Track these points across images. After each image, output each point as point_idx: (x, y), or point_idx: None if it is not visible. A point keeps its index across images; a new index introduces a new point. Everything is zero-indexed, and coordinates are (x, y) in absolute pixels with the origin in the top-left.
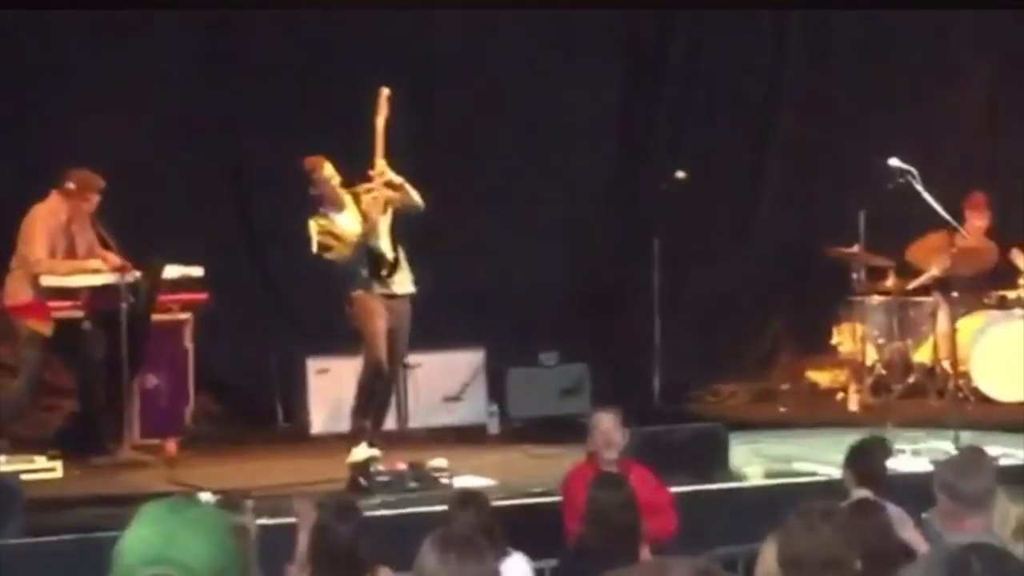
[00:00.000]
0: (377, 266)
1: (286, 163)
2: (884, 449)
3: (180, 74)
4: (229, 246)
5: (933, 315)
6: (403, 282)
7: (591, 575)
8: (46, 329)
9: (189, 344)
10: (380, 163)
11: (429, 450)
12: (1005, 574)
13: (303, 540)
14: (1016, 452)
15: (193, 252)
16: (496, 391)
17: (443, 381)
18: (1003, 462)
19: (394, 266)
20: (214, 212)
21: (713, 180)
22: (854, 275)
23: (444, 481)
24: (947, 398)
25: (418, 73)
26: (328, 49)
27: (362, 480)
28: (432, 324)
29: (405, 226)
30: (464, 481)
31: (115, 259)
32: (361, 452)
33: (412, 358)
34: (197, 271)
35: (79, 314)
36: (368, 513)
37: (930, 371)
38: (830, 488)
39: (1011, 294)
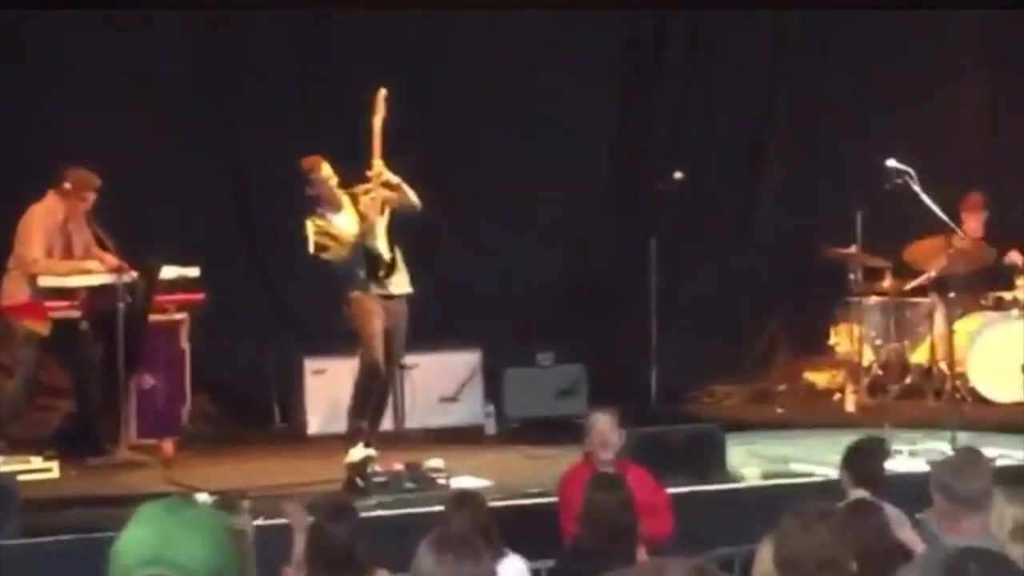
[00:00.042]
0: (374, 267)
1: (283, 163)
2: (882, 450)
3: (178, 73)
4: (226, 246)
5: (930, 316)
6: (400, 283)
7: None
8: (43, 329)
9: (186, 344)
10: (378, 163)
11: (426, 451)
12: None
13: (299, 542)
14: (1013, 453)
15: (190, 252)
16: (493, 392)
17: (440, 382)
18: (1000, 463)
19: (391, 266)
20: (211, 212)
21: (710, 181)
22: (851, 276)
23: (441, 482)
24: (944, 399)
25: (417, 73)
26: (327, 49)
27: (359, 481)
28: (429, 324)
29: (403, 226)
30: (461, 482)
31: (112, 259)
32: (358, 452)
33: (409, 358)
34: (194, 271)
35: (76, 314)
36: (365, 514)
37: (927, 372)
38: (827, 489)
39: (1008, 295)
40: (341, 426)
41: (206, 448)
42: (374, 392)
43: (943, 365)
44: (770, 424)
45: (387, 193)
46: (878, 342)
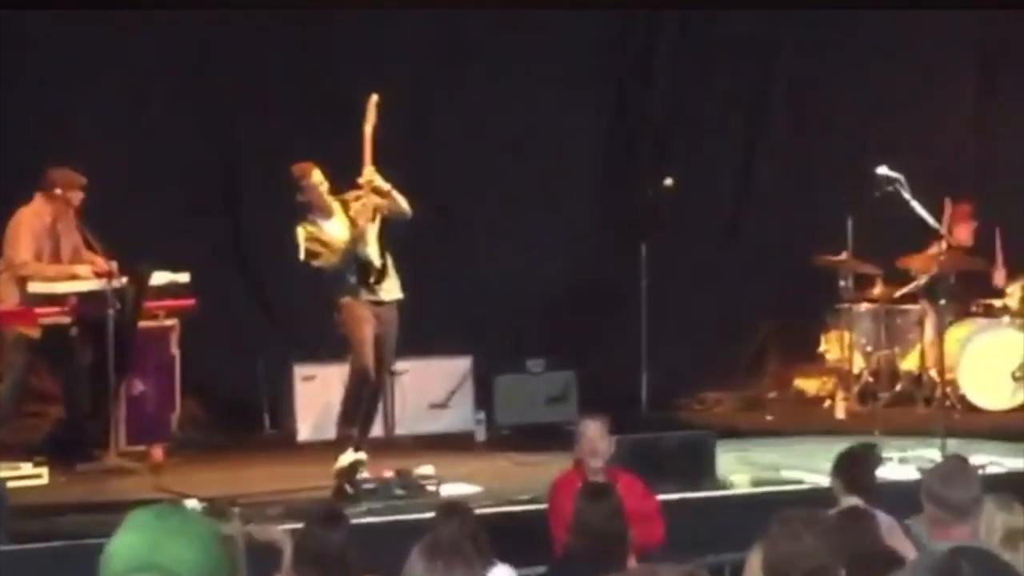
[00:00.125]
0: (365, 273)
1: (274, 170)
2: (873, 456)
3: (170, 78)
4: (217, 253)
5: (920, 323)
6: (391, 289)
7: None
8: (34, 332)
9: (175, 350)
10: (368, 170)
11: (416, 457)
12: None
13: (287, 552)
14: (1003, 460)
15: (180, 258)
16: (483, 398)
17: (430, 388)
18: (990, 470)
19: (382, 273)
20: (202, 219)
21: (701, 188)
22: (842, 283)
23: (431, 488)
24: (934, 406)
25: (408, 81)
26: (318, 56)
27: (348, 487)
28: (419, 331)
29: (393, 232)
30: (451, 489)
31: (101, 262)
32: (347, 459)
33: (399, 365)
34: (184, 277)
35: (66, 320)
36: (355, 520)
37: (917, 379)
38: (818, 496)
39: (998, 302)
40: (331, 432)
41: (195, 454)
42: (364, 398)
43: (933, 372)
44: (760, 431)
45: (378, 200)
46: (868, 349)
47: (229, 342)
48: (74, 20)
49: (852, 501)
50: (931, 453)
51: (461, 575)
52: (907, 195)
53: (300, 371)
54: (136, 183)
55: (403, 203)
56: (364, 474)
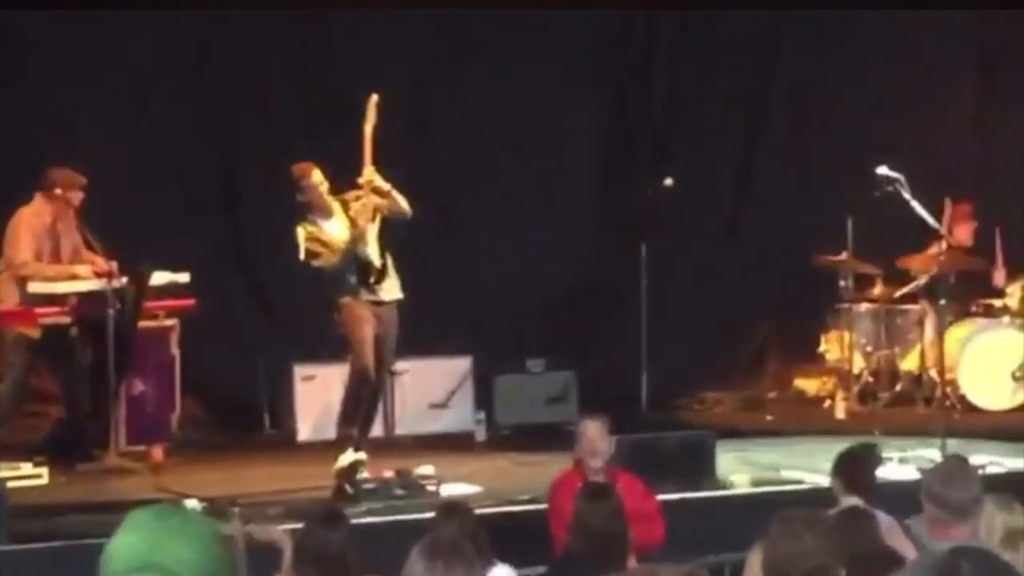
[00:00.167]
0: (365, 273)
1: (274, 170)
2: (873, 456)
3: (170, 78)
4: (216, 252)
5: (920, 323)
6: (391, 289)
7: None
8: (34, 332)
9: (175, 350)
10: (368, 170)
11: (416, 457)
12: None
13: (287, 551)
14: (1003, 460)
15: (180, 258)
16: (483, 398)
17: (430, 388)
18: (990, 470)
19: (382, 273)
20: (202, 219)
21: (701, 187)
22: (842, 283)
23: (431, 488)
24: (934, 406)
25: (408, 81)
26: (318, 56)
27: (348, 487)
28: (419, 331)
29: (393, 232)
30: (451, 489)
31: (101, 262)
32: (347, 459)
33: (399, 365)
34: (184, 277)
35: (66, 320)
36: (355, 520)
37: (917, 379)
38: (818, 496)
39: (998, 302)
40: (331, 432)
41: (195, 454)
42: (364, 399)
43: (933, 372)
44: (760, 431)
45: (378, 200)
46: (868, 349)
47: (229, 342)
48: (74, 20)
49: (852, 501)
50: (931, 453)
51: (461, 575)
52: (907, 195)
53: (300, 371)
54: (136, 183)
55: (403, 203)
56: (364, 474)
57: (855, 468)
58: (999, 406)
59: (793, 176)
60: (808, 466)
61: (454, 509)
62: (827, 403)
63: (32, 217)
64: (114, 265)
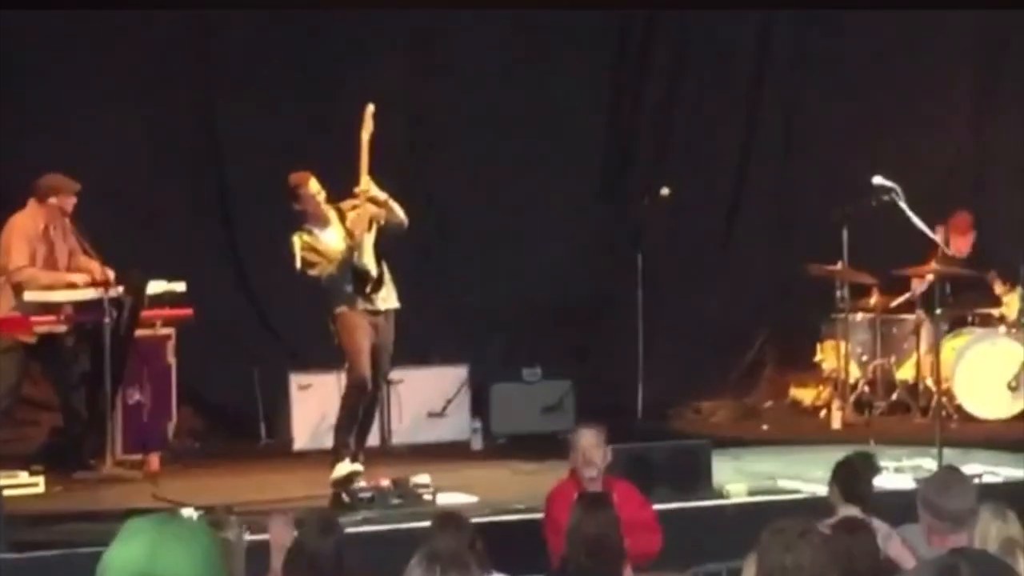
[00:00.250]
0: (361, 282)
1: (271, 179)
2: (871, 466)
3: (165, 87)
4: (213, 262)
5: (916, 333)
6: (387, 298)
7: None
8: (29, 339)
9: (172, 359)
10: (365, 179)
11: (412, 466)
12: None
13: (276, 557)
14: (998, 470)
15: (177, 267)
16: (479, 407)
17: (426, 397)
18: (985, 479)
19: (378, 282)
20: (198, 228)
21: (697, 197)
22: (837, 292)
23: (427, 497)
24: (930, 416)
25: (406, 87)
26: (314, 64)
27: (345, 496)
28: (416, 340)
29: (389, 242)
30: (447, 498)
31: (98, 269)
32: (344, 468)
33: (395, 374)
34: (180, 286)
35: (62, 329)
36: (351, 529)
37: (913, 388)
38: (814, 505)
39: (994, 312)
40: (327, 441)
41: (192, 463)
42: (361, 408)
43: (929, 382)
44: (757, 440)
45: (374, 209)
46: (864, 359)
47: (225, 351)
48: (71, 24)
49: (849, 510)
50: (927, 463)
51: None
52: (903, 205)
53: (296, 380)
54: (133, 192)
55: (400, 212)
56: (361, 483)
57: (852, 477)
58: (995, 415)
59: (789, 186)
60: (804, 475)
61: (451, 518)
62: (823, 413)
63: (25, 223)
64: (111, 274)
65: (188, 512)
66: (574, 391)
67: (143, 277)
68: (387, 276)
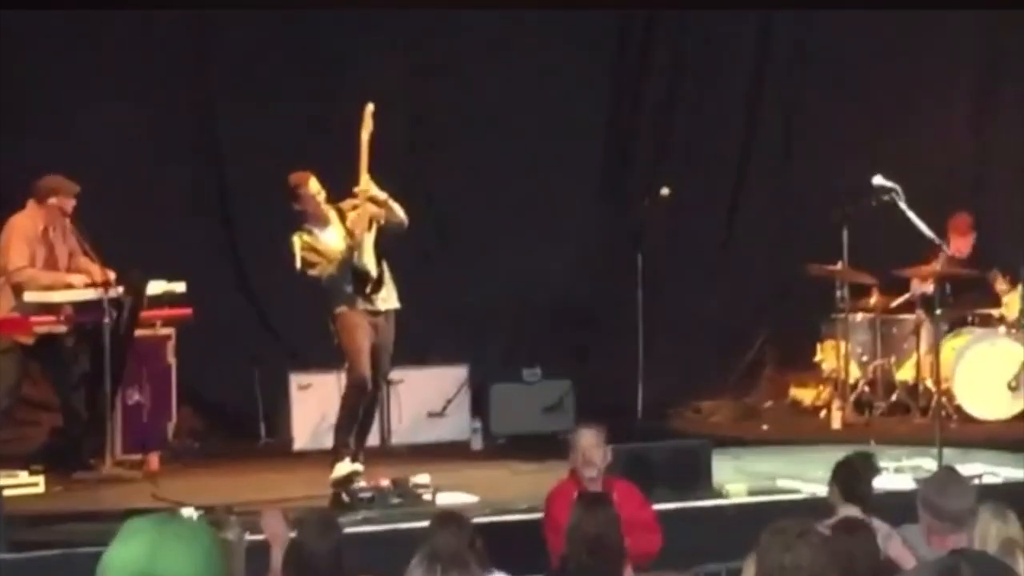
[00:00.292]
0: (361, 282)
1: (270, 179)
2: (871, 466)
3: (166, 85)
4: (213, 262)
5: (916, 333)
6: (387, 298)
7: None
8: (27, 340)
9: (172, 359)
10: (365, 179)
11: (412, 466)
12: None
13: (276, 553)
14: (998, 470)
15: (176, 267)
16: (479, 407)
17: (426, 397)
18: (985, 480)
19: (378, 282)
20: (198, 228)
21: (697, 197)
22: (837, 292)
23: (427, 497)
24: (930, 416)
25: (406, 86)
26: (314, 63)
27: (345, 496)
28: (416, 340)
29: (390, 241)
30: (447, 498)
31: (98, 270)
32: (344, 468)
33: (395, 374)
34: (180, 287)
35: (61, 329)
36: (351, 529)
37: (913, 389)
38: (814, 505)
39: (994, 312)
40: (327, 441)
41: (191, 463)
42: (361, 408)
43: (929, 382)
44: (756, 440)
45: (374, 209)
46: (864, 359)
47: (225, 351)
48: (73, 21)
49: (849, 510)
50: (927, 463)
51: None
52: (903, 205)
53: (296, 380)
54: (132, 192)
55: (399, 212)
56: (360, 483)
57: (852, 477)
58: (995, 416)
59: (789, 186)
60: (804, 475)
61: (450, 517)
62: (823, 413)
63: (24, 224)
64: (112, 275)
65: (188, 512)
66: (574, 391)
67: (143, 277)
68: (387, 276)
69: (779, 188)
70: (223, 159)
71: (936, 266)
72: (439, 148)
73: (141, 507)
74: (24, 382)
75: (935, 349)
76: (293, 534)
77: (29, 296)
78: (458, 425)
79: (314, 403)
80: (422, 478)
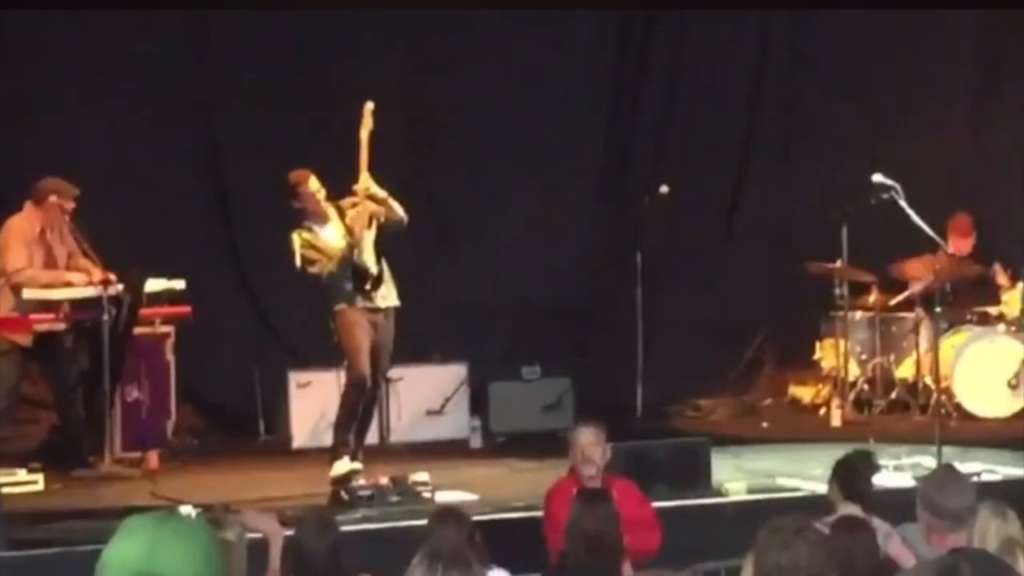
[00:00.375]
0: (361, 280)
1: (270, 176)
2: (871, 464)
3: (166, 85)
4: (212, 259)
5: (915, 331)
6: (387, 296)
7: None
8: (24, 341)
9: (171, 357)
10: (364, 177)
11: (411, 464)
12: None
13: (275, 554)
14: (997, 468)
15: (175, 265)
16: (478, 405)
17: (425, 395)
18: (985, 478)
19: (378, 280)
20: (197, 225)
21: (696, 195)
22: (836, 290)
23: (426, 495)
24: (929, 414)
25: (406, 85)
26: (313, 63)
27: (344, 494)
28: (415, 338)
29: (389, 239)
30: (446, 496)
31: (97, 270)
32: (343, 466)
33: (394, 372)
34: (179, 284)
35: (60, 327)
36: (350, 527)
37: (912, 387)
38: (814, 503)
39: (993, 310)
40: (326, 439)
41: (190, 461)
42: (360, 406)
43: (928, 380)
44: (756, 438)
45: (374, 207)
46: (863, 357)
47: (224, 349)
48: (73, 21)
49: (849, 508)
50: (926, 461)
51: None
52: (902, 203)
53: (295, 377)
54: (131, 190)
55: (399, 210)
56: (360, 481)
57: (852, 475)
58: (994, 414)
59: (788, 185)
60: (804, 473)
61: (450, 513)
62: (822, 411)
63: (22, 225)
64: (112, 276)
65: (187, 510)
66: (573, 389)
67: (142, 275)
68: (387, 274)
69: (778, 187)
70: (223, 159)
71: (928, 257)
72: (439, 148)
73: (140, 505)
74: (24, 382)
75: (934, 347)
76: (288, 531)
77: (28, 293)
78: (457, 423)
79: (313, 401)
80: (421, 476)
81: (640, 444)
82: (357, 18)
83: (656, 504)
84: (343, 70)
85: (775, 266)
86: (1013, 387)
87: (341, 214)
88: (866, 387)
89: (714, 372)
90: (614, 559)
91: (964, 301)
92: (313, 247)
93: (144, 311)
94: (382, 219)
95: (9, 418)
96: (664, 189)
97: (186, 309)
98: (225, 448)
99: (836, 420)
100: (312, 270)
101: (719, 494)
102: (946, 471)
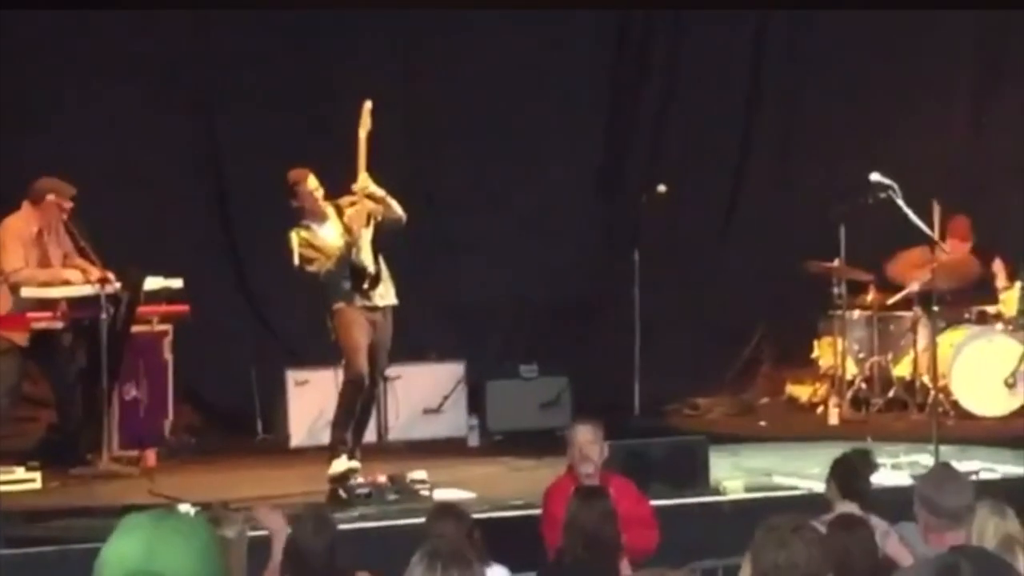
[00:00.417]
0: (359, 278)
1: (269, 175)
2: (868, 462)
3: (166, 85)
4: (210, 258)
5: (913, 329)
6: (385, 294)
7: None
8: (21, 340)
9: (169, 355)
10: (363, 175)
11: (409, 462)
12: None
13: (277, 551)
14: (995, 466)
15: (174, 264)
16: (476, 404)
17: (423, 393)
18: (983, 476)
19: (376, 278)
20: (195, 224)
21: (694, 194)
22: (834, 289)
23: (424, 493)
24: (927, 412)
25: (404, 84)
26: (311, 61)
27: (342, 492)
28: (413, 336)
29: (387, 238)
30: (444, 493)
31: (94, 269)
32: (341, 464)
33: (392, 370)
34: (177, 283)
35: (58, 325)
36: (347, 525)
37: (910, 385)
38: (812, 502)
39: (991, 309)
40: (324, 438)
41: (188, 459)
42: (358, 404)
43: (926, 379)
44: (753, 437)
45: (372, 205)
46: (861, 355)
47: (222, 347)
48: (73, 21)
49: (847, 507)
50: (924, 459)
51: None
52: (900, 201)
53: (293, 376)
54: (129, 188)
55: (397, 209)
56: (357, 479)
57: (850, 474)
58: (992, 412)
59: (786, 184)
60: (801, 472)
61: (449, 509)
62: (820, 409)
63: (18, 225)
64: (111, 276)
65: (185, 508)
66: (571, 387)
67: (140, 273)
68: (385, 272)
69: (776, 186)
70: (223, 159)
71: (923, 254)
72: (438, 148)
73: (138, 503)
74: (23, 382)
75: (932, 345)
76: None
77: (26, 292)
78: (455, 421)
79: (311, 399)
80: (419, 474)
81: (638, 442)
82: (357, 18)
83: (654, 502)
84: (343, 70)
85: (773, 265)
86: (1010, 386)
87: (339, 213)
88: (864, 386)
89: (712, 371)
90: (611, 556)
91: (962, 300)
92: (311, 246)
93: (142, 309)
94: (380, 218)
95: (9, 417)
96: (662, 188)
97: (184, 308)
98: (223, 446)
99: (834, 419)
100: (310, 269)
101: (717, 492)
102: (944, 470)
